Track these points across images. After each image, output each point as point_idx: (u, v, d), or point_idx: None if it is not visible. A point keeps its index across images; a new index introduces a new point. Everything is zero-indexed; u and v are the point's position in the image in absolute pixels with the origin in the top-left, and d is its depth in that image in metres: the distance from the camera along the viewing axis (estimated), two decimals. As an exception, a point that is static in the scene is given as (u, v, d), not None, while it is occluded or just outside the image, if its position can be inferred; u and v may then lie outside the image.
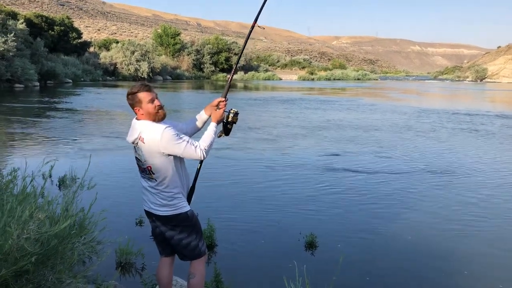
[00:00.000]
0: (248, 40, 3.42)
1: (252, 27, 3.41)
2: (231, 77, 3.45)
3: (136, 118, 2.84)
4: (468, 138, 13.03)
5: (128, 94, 2.82)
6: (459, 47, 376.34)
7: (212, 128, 2.94)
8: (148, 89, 2.80)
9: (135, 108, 2.79)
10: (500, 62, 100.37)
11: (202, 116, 3.19)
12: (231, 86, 3.40)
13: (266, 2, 3.41)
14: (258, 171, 8.48)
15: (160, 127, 2.70)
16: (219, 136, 3.09)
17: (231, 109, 3.14)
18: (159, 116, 2.82)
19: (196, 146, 2.74)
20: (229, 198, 6.74)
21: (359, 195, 6.93)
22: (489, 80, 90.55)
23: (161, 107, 2.83)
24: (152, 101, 2.77)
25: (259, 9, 3.42)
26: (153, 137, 2.68)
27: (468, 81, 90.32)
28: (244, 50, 3.67)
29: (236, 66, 3.61)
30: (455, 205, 6.49)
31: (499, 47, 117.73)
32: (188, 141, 2.73)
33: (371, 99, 30.90)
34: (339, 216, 5.94)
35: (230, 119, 3.12)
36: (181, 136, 2.72)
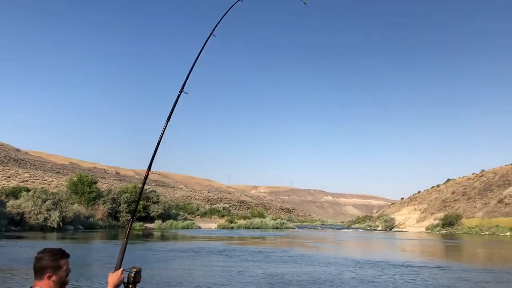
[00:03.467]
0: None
1: (146, 175, 3.56)
2: (128, 231, 3.23)
3: (31, 286, 2.46)
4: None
5: (48, 256, 2.48)
6: (368, 198, 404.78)
7: None
8: (68, 256, 2.61)
9: (47, 273, 2.42)
10: (405, 212, 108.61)
11: None
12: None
13: (158, 149, 3.60)
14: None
15: None
16: None
17: (133, 267, 2.77)
18: (65, 284, 2.55)
19: None
20: None
21: None
22: (397, 229, 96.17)
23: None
24: (67, 270, 2.55)
25: (152, 156, 3.55)
26: None
27: (379, 230, 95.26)
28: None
29: (133, 217, 3.67)
30: None
31: (402, 198, 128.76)
32: None
33: (301, 249, 30.96)
34: None
35: (132, 279, 2.73)
36: None
